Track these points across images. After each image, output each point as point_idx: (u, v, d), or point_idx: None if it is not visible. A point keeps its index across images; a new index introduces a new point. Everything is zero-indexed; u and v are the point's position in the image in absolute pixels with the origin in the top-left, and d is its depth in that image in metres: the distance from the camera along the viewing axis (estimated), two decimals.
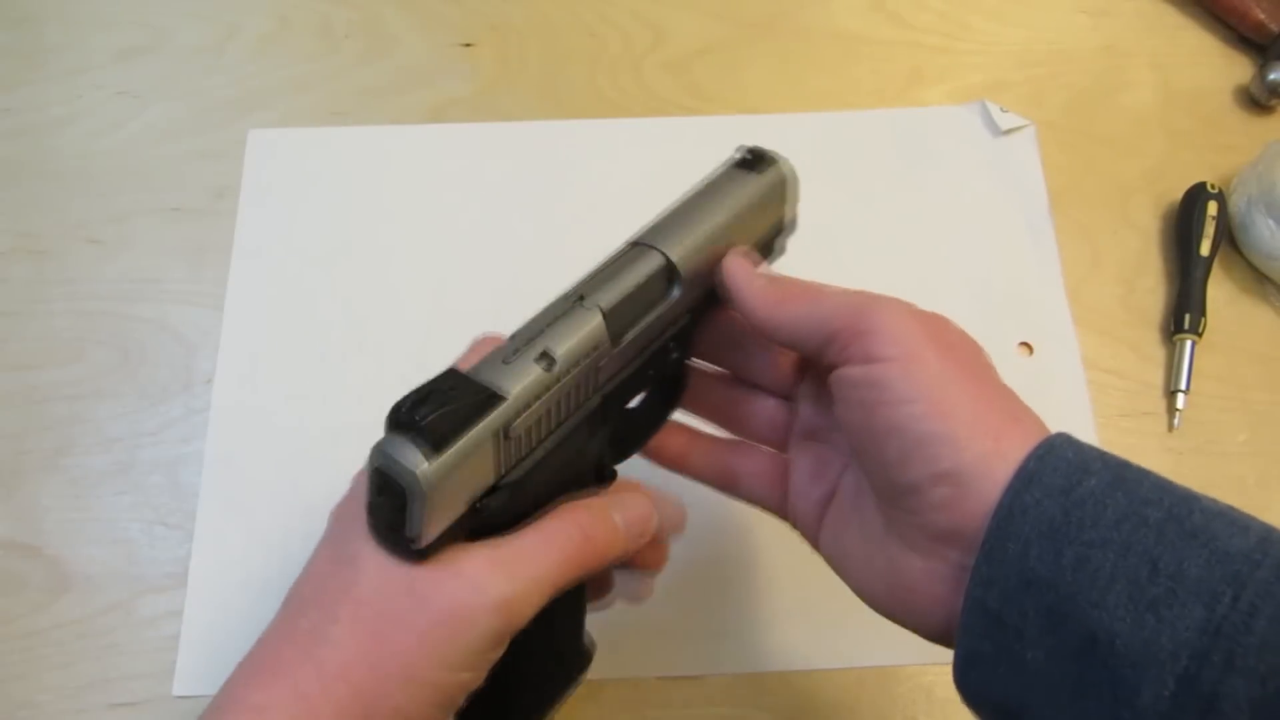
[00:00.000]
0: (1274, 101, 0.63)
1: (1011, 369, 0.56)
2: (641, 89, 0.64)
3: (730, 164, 0.38)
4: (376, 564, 0.30)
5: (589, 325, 0.32)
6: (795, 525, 0.38)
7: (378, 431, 0.32)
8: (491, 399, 0.30)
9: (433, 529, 0.29)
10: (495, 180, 0.61)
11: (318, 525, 0.34)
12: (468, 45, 0.66)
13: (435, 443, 0.29)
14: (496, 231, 0.59)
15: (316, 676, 0.29)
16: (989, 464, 0.29)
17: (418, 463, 0.28)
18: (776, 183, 0.38)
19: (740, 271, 0.36)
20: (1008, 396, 0.32)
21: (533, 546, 0.32)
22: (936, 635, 0.32)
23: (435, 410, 0.29)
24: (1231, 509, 0.28)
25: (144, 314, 0.57)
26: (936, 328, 0.33)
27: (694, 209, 0.36)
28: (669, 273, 0.35)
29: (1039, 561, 0.27)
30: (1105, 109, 0.64)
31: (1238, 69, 0.65)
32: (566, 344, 0.32)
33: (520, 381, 0.31)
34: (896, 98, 0.64)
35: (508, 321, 0.33)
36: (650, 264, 0.34)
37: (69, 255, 0.59)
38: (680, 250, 0.35)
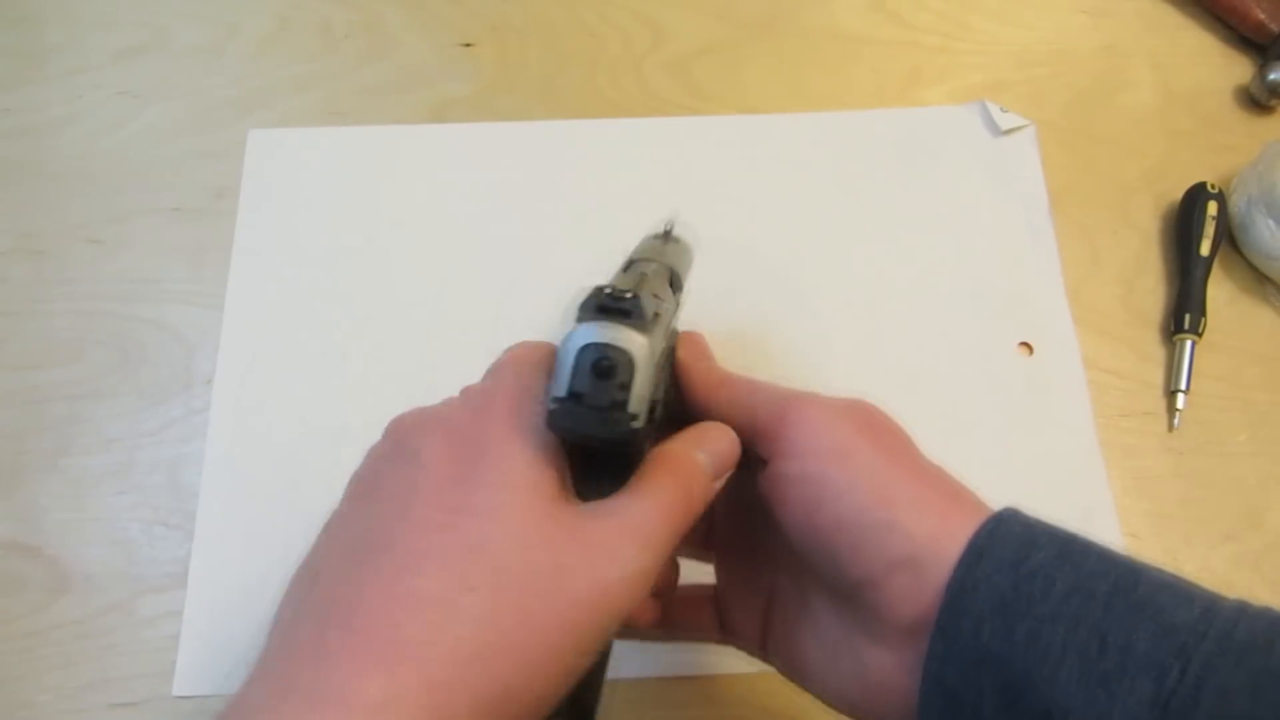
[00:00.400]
0: (1274, 101, 0.63)
1: (1011, 369, 0.56)
2: (641, 89, 0.64)
3: (654, 235, 0.41)
4: (515, 517, 0.27)
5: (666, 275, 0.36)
6: (737, 642, 0.38)
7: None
8: (661, 302, 0.32)
9: (645, 406, 0.28)
10: (495, 180, 0.61)
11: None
12: (468, 45, 0.66)
13: (643, 325, 0.29)
14: (496, 231, 0.59)
15: (450, 661, 0.24)
16: (941, 544, 0.29)
17: (636, 338, 0.28)
18: (689, 252, 0.41)
19: (691, 350, 0.36)
20: (942, 475, 0.32)
21: (649, 508, 0.29)
22: None
23: (634, 298, 0.29)
24: (1176, 579, 0.28)
25: (144, 314, 0.57)
26: (861, 415, 0.33)
27: (650, 253, 0.38)
28: (673, 277, 0.36)
29: (992, 638, 0.27)
30: (1105, 109, 0.64)
31: (1238, 69, 0.65)
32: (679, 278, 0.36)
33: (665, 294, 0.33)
34: (896, 98, 0.64)
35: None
36: (662, 268, 0.36)
37: (69, 255, 0.58)
38: (673, 263, 0.37)
